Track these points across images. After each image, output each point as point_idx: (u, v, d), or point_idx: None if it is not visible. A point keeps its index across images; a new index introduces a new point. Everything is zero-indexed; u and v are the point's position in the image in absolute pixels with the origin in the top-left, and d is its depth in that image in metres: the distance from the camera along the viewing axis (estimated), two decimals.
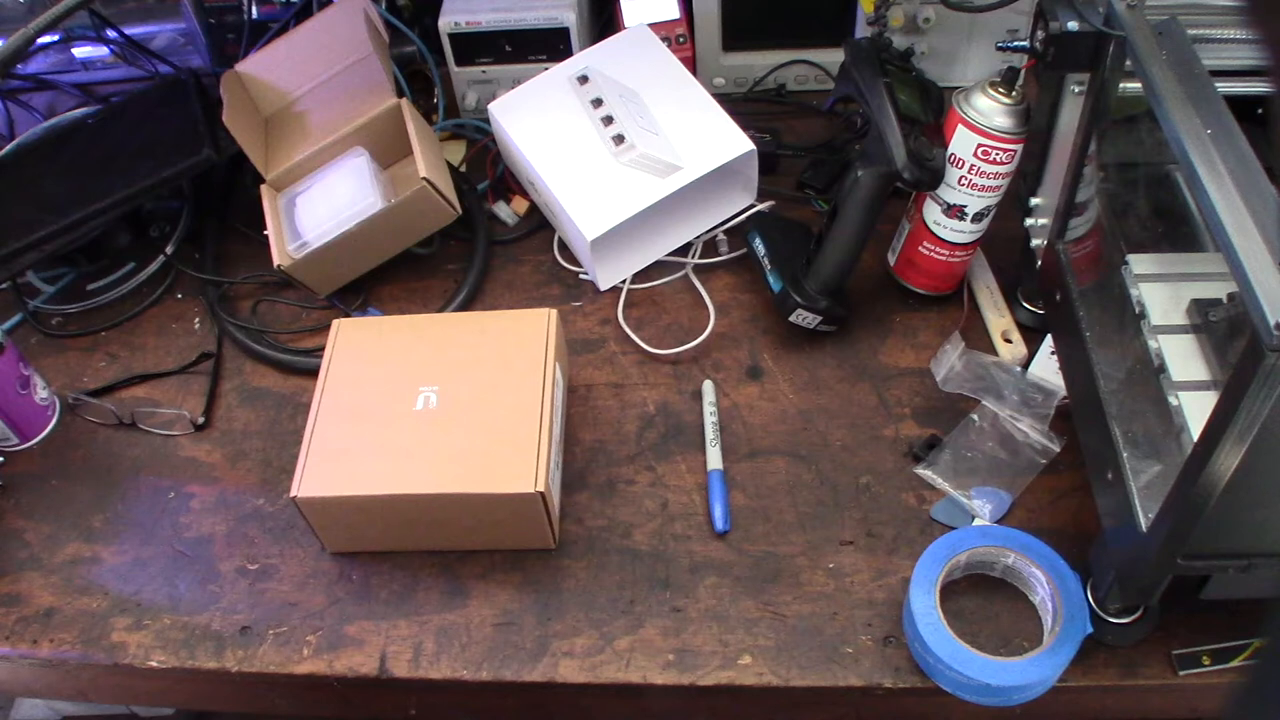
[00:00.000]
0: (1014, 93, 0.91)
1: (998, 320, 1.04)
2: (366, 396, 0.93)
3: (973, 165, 0.94)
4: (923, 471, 0.94)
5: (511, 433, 0.89)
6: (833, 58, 1.25)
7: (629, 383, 1.04)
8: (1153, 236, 0.86)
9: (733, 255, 1.13)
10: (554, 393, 0.93)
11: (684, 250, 1.13)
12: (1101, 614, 0.82)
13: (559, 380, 0.96)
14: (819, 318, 1.01)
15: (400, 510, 0.89)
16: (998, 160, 0.93)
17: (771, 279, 1.03)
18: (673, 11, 1.25)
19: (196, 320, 1.16)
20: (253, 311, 1.15)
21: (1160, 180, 0.88)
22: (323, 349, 0.97)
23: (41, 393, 1.05)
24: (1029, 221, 0.97)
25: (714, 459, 0.96)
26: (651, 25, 1.20)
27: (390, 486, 0.88)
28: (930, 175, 0.95)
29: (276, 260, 1.08)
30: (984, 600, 0.86)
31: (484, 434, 0.89)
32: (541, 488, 0.86)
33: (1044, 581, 0.83)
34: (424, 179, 1.06)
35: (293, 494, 0.87)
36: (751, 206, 1.11)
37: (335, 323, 0.99)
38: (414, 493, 0.87)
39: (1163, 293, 0.81)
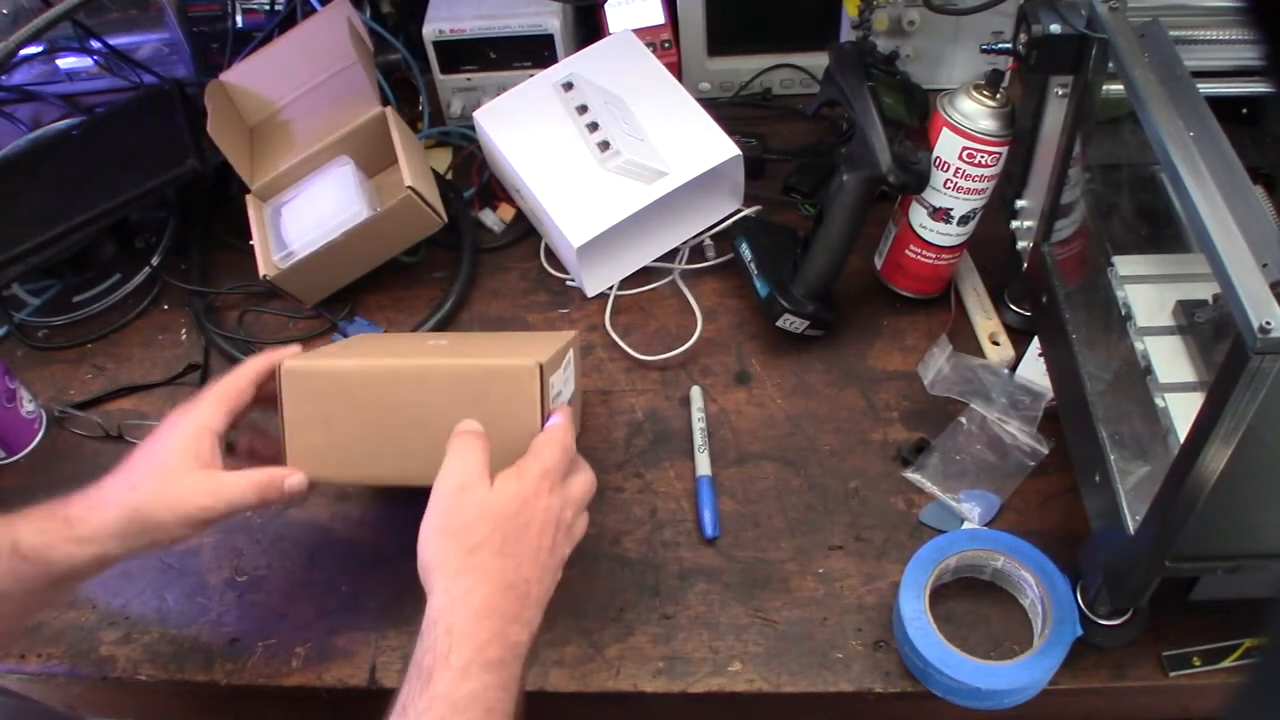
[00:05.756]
0: (998, 95, 0.91)
1: (985, 323, 1.04)
2: None
3: (958, 168, 0.94)
4: (911, 475, 0.94)
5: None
6: (818, 61, 1.25)
7: (617, 389, 1.04)
8: (1138, 238, 0.86)
9: (720, 260, 1.13)
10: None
11: (671, 256, 1.13)
12: (1091, 616, 0.82)
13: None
14: (806, 322, 1.01)
15: (384, 393, 0.83)
16: (983, 163, 0.93)
17: (759, 284, 1.02)
18: (657, 17, 1.25)
19: (183, 331, 1.15)
20: (239, 322, 1.15)
21: (1145, 182, 0.88)
22: None
23: (28, 406, 1.05)
24: (1015, 224, 0.97)
25: (703, 465, 0.96)
26: (636, 31, 1.19)
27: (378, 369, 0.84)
28: (915, 178, 0.95)
29: (262, 270, 1.07)
30: (974, 604, 0.86)
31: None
32: (542, 359, 0.80)
33: (1033, 584, 0.83)
34: (409, 187, 1.06)
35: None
36: (738, 211, 1.11)
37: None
38: (404, 365, 0.83)
39: (1149, 294, 0.82)
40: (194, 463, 0.77)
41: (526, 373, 0.80)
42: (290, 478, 0.80)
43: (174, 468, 0.76)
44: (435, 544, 0.73)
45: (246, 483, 0.78)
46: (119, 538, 0.75)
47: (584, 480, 0.80)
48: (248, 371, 0.83)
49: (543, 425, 0.82)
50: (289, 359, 0.83)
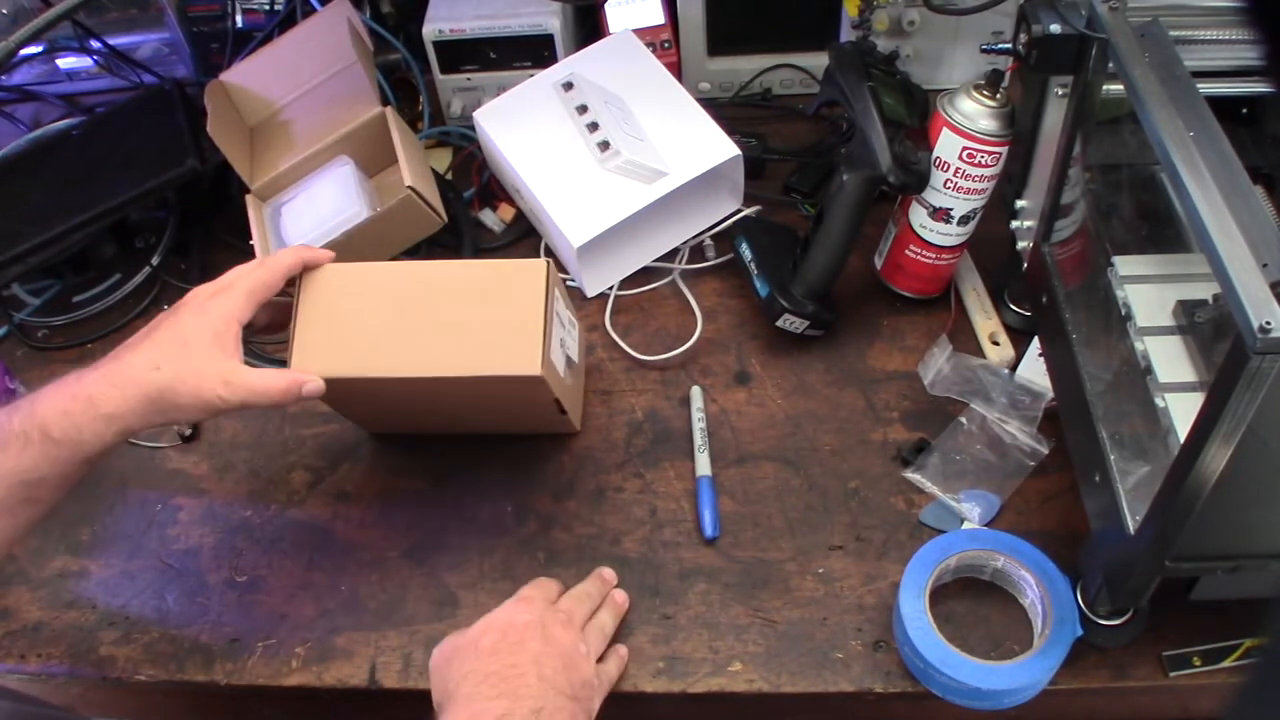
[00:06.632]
0: (998, 95, 0.91)
1: (985, 323, 1.04)
2: None
3: (958, 168, 0.94)
4: (911, 475, 0.94)
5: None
6: (818, 61, 1.25)
7: (617, 389, 1.04)
8: (1138, 238, 0.86)
9: (720, 260, 1.13)
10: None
11: (671, 256, 1.13)
12: (1091, 616, 0.82)
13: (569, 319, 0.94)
14: (806, 322, 1.01)
15: (396, 287, 0.87)
16: (983, 163, 0.93)
17: (758, 284, 1.02)
18: (657, 17, 1.25)
19: None
20: None
21: (1145, 181, 0.88)
22: None
23: None
24: (1015, 224, 0.97)
25: (703, 465, 0.96)
26: (636, 31, 1.19)
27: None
28: (915, 178, 0.95)
29: None
30: (974, 604, 0.86)
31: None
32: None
33: (1033, 584, 0.83)
34: (409, 187, 1.06)
35: None
36: (738, 211, 1.11)
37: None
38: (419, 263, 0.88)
39: (1149, 294, 0.81)
40: (218, 351, 0.79)
41: (535, 266, 0.85)
42: (308, 384, 0.83)
43: (198, 354, 0.79)
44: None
45: (265, 382, 0.81)
46: (140, 416, 0.78)
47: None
48: (280, 266, 0.85)
49: (545, 323, 0.85)
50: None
